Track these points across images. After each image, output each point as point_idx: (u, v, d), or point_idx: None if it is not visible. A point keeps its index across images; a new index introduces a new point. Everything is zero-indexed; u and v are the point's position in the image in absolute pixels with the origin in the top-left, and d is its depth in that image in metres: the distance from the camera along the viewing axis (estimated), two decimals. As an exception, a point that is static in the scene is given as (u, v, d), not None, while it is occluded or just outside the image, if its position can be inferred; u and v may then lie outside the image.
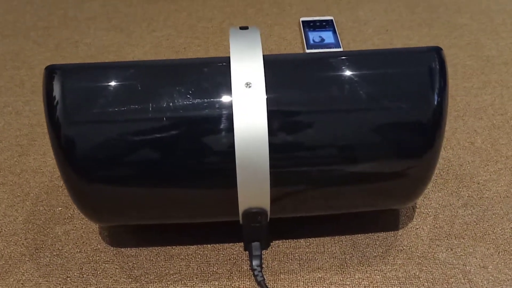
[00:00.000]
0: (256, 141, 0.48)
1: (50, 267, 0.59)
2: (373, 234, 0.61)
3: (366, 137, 0.50)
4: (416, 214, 0.64)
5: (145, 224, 0.63)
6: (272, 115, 0.48)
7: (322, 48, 0.94)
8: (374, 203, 0.56)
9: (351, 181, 0.53)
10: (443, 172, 0.69)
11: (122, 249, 0.60)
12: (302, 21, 1.03)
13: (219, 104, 0.48)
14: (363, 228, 0.62)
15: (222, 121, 0.48)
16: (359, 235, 0.61)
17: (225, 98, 0.48)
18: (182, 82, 0.49)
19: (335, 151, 0.51)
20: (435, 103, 0.50)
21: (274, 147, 0.49)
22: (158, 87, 0.49)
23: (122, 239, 0.62)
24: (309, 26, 1.01)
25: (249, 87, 0.48)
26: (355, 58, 0.51)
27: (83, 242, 0.61)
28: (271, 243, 0.60)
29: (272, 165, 0.49)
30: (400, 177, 0.53)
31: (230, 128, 0.48)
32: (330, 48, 0.94)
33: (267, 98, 0.48)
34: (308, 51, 0.94)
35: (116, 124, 0.48)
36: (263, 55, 0.50)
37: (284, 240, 0.61)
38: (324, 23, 1.02)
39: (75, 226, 0.63)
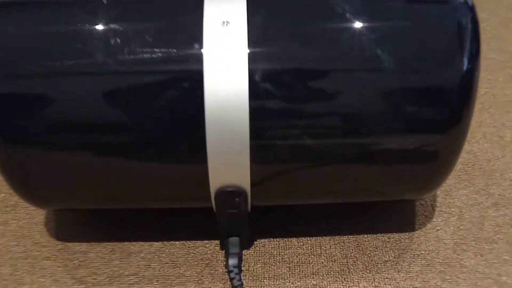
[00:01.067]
0: (232, 98, 0.37)
1: (-23, 263, 0.47)
2: (383, 235, 0.49)
3: (376, 102, 0.39)
4: (437, 213, 0.51)
5: (98, 213, 0.51)
6: (255, 62, 0.37)
7: None
8: (384, 189, 0.44)
9: (355, 159, 0.41)
10: (468, 167, 0.57)
11: (69, 244, 0.49)
12: None
13: (185, 49, 0.37)
14: (371, 227, 0.50)
15: (188, 71, 0.37)
16: (366, 236, 0.49)
17: (194, 41, 0.37)
18: (136, 20, 0.38)
19: (337, 118, 0.39)
20: (465, 68, 0.39)
21: (256, 106, 0.37)
22: (103, 28, 0.38)
23: (70, 232, 0.50)
24: None
25: (226, 25, 0.37)
26: (367, 3, 0.40)
27: (22, 234, 0.50)
28: (255, 242, 0.48)
29: (253, 131, 0.38)
30: (417, 157, 0.42)
31: (199, 80, 0.37)
32: None
33: (248, 40, 0.37)
34: None
35: (51, 78, 0.37)
36: None
37: (271, 239, 0.49)
38: None
39: (16, 216, 0.52)
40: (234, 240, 0.45)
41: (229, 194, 0.40)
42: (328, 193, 0.44)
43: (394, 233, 0.49)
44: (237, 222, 0.44)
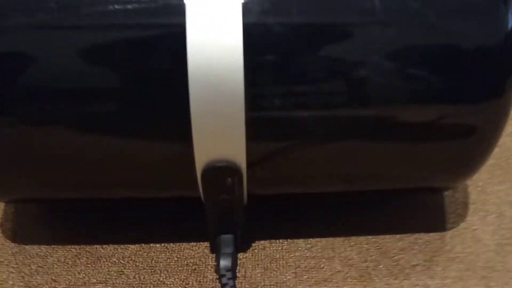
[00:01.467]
0: (221, 47, 0.29)
1: None
2: (408, 235, 0.40)
3: (401, 64, 0.31)
4: (471, 211, 0.43)
5: (61, 211, 0.42)
6: (251, 11, 0.30)
7: None
8: (409, 173, 0.36)
9: (375, 133, 0.33)
10: (502, 161, 0.49)
11: (27, 247, 0.40)
12: None
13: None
14: (393, 226, 0.41)
15: (168, 24, 0.30)
16: (388, 236, 0.40)
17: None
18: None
19: (352, 82, 0.31)
20: (509, 25, 0.31)
21: (252, 58, 0.30)
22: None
23: (29, 233, 0.41)
24: None
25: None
26: None
27: (-30, 235, 0.41)
28: (253, 243, 0.40)
29: (249, 93, 0.30)
30: (450, 132, 0.34)
31: (181, 34, 0.29)
32: None
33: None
34: None
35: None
36: None
37: (273, 240, 0.40)
38: None
39: (-34, 215, 0.43)
40: (226, 238, 0.36)
41: (220, 172, 0.32)
42: (340, 176, 0.36)
43: (422, 233, 0.41)
44: (231, 214, 0.35)
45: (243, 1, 0.29)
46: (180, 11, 0.29)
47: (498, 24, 0.31)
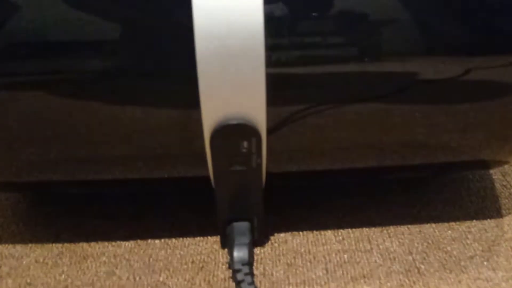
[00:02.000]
0: None
1: None
2: (458, 223, 0.34)
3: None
4: (527, 195, 0.36)
5: (42, 204, 0.36)
6: None
7: None
8: (456, 140, 0.29)
9: (415, 88, 0.27)
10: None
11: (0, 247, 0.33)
12: None
13: None
14: (439, 214, 0.34)
15: None
16: (434, 225, 0.33)
17: None
18: None
19: (395, 28, 0.26)
20: None
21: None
22: None
23: (3, 231, 0.34)
24: None
25: None
26: None
27: None
28: (272, 237, 0.33)
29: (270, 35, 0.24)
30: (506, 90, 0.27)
31: None
32: None
33: None
34: None
35: None
36: None
37: (295, 232, 0.33)
38: None
39: None
40: (241, 225, 0.29)
41: (233, 133, 0.25)
42: (373, 144, 0.29)
43: (474, 221, 0.34)
44: (246, 194, 0.28)
45: None
46: None
47: None
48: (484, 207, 0.35)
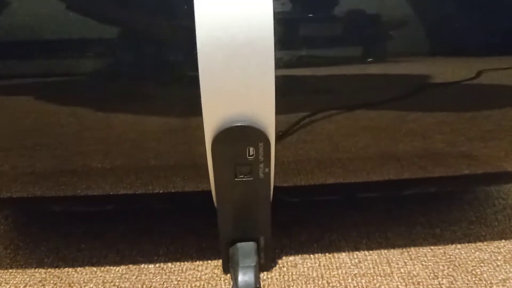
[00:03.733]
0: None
1: None
2: (486, 244, 0.30)
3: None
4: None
5: (26, 224, 0.32)
6: None
7: None
8: (475, 149, 0.26)
9: (431, 96, 0.24)
10: None
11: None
12: None
13: None
14: (463, 234, 0.31)
15: None
16: (460, 246, 0.30)
17: None
18: None
19: (407, 30, 0.23)
20: None
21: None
22: None
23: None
24: None
25: None
26: None
27: None
28: (279, 260, 0.29)
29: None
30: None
31: None
32: None
33: None
34: None
35: None
36: None
37: (306, 255, 0.30)
38: None
39: None
40: (246, 246, 0.26)
41: (238, 137, 0.22)
42: (391, 157, 0.26)
43: (503, 240, 0.31)
44: (252, 210, 0.25)
45: None
46: None
47: None
48: (509, 225, 0.32)
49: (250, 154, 0.23)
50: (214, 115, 0.21)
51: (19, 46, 0.22)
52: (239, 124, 0.22)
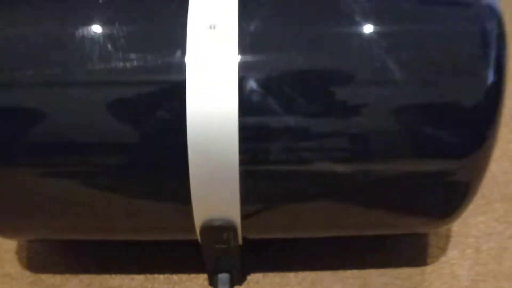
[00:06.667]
0: (219, 114, 0.32)
1: None
2: (392, 269, 0.44)
3: (386, 120, 0.34)
4: (451, 244, 0.46)
5: (75, 241, 0.46)
6: (246, 72, 0.32)
7: None
8: (394, 221, 0.39)
9: (362, 186, 0.36)
10: (486, 190, 0.52)
11: (43, 276, 0.44)
12: None
13: (166, 57, 0.33)
14: (378, 261, 0.45)
15: (169, 82, 0.33)
16: (372, 271, 0.44)
17: (176, 47, 0.32)
18: (112, 21, 0.33)
19: (339, 140, 0.34)
20: (489, 81, 0.33)
21: (247, 124, 0.32)
22: (78, 32, 0.33)
23: (45, 262, 0.45)
24: None
25: (214, 29, 0.32)
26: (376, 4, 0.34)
27: (-9, 264, 0.45)
28: (248, 276, 0.43)
29: (244, 154, 0.33)
30: (433, 185, 0.36)
31: (181, 92, 0.32)
32: None
33: (239, 46, 0.32)
34: None
35: (14, 91, 0.33)
36: None
37: (267, 274, 0.44)
38: None
39: (-14, 243, 0.47)
40: (223, 277, 0.40)
41: (217, 229, 0.35)
42: (330, 226, 0.39)
43: (405, 268, 0.44)
44: (227, 258, 0.39)
45: (239, 58, 0.32)
46: (181, 68, 0.32)
47: (477, 80, 0.34)
48: (414, 254, 0.45)
49: (225, 236, 0.36)
50: (200, 218, 0.34)
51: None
52: (217, 224, 0.35)
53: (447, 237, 0.47)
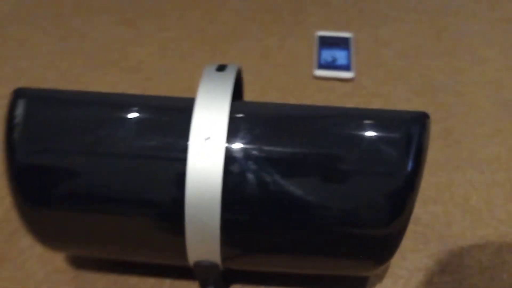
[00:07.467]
0: (208, 199, 0.46)
1: (9, 281, 0.59)
2: (336, 291, 0.59)
3: (324, 199, 0.47)
4: (388, 274, 0.60)
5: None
6: (229, 180, 0.46)
7: (332, 69, 0.90)
8: (335, 268, 0.53)
9: (309, 247, 0.50)
10: (428, 229, 0.65)
11: (82, 273, 0.60)
12: (319, 37, 0.99)
13: (173, 155, 0.47)
14: (327, 284, 0.59)
15: (174, 174, 0.47)
16: (322, 291, 0.59)
17: (181, 149, 0.46)
18: (139, 124, 0.47)
19: (293, 215, 0.48)
20: (402, 180, 0.47)
21: (227, 217, 0.47)
22: (116, 126, 0.47)
23: (84, 261, 0.61)
24: (325, 42, 0.97)
25: (208, 139, 0.46)
26: (333, 116, 0.47)
27: (46, 259, 0.61)
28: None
29: (224, 222, 0.47)
30: (361, 246, 0.50)
31: (181, 183, 0.46)
32: (340, 71, 0.90)
33: (226, 154, 0.46)
34: (317, 72, 0.90)
35: (68, 158, 0.48)
36: (236, 102, 0.48)
37: (245, 285, 0.59)
38: (340, 41, 0.98)
39: (41, 240, 0.63)
40: (210, 290, 0.56)
41: (204, 267, 0.50)
42: (288, 267, 0.53)
43: (347, 291, 0.59)
44: (212, 280, 0.54)
45: (223, 166, 0.46)
46: (183, 158, 0.46)
47: (397, 167, 0.47)
48: (357, 282, 0.60)
49: (209, 270, 0.51)
50: (192, 260, 0.49)
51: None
52: (204, 264, 0.50)
53: (386, 267, 0.61)
